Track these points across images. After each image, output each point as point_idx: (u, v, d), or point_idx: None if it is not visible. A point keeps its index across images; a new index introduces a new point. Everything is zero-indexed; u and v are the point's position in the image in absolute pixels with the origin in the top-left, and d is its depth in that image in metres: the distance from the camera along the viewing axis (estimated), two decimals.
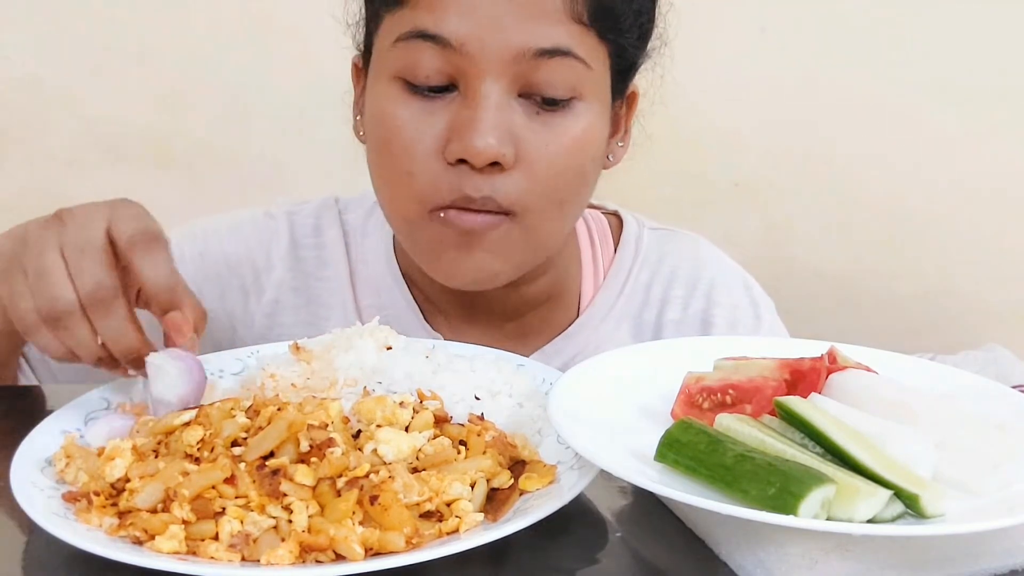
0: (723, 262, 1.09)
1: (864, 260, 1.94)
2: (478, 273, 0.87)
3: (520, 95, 0.83)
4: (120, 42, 1.81)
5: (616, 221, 1.09)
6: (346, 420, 0.68)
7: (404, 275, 1.02)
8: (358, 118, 0.96)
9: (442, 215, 0.84)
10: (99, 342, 0.71)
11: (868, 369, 0.73)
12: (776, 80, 1.84)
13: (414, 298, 1.01)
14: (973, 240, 1.92)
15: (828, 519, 0.57)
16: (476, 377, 0.78)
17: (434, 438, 0.67)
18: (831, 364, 0.72)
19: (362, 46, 0.93)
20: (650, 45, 0.92)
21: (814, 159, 1.89)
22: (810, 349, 0.75)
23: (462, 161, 0.82)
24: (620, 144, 0.96)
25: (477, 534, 0.59)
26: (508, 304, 1.00)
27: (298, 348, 0.82)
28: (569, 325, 1.02)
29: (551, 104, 0.83)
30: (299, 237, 1.04)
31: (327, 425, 0.65)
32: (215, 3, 1.81)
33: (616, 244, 1.06)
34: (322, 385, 0.76)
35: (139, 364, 0.72)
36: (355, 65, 0.96)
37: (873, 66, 1.83)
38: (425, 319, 1.01)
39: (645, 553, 0.64)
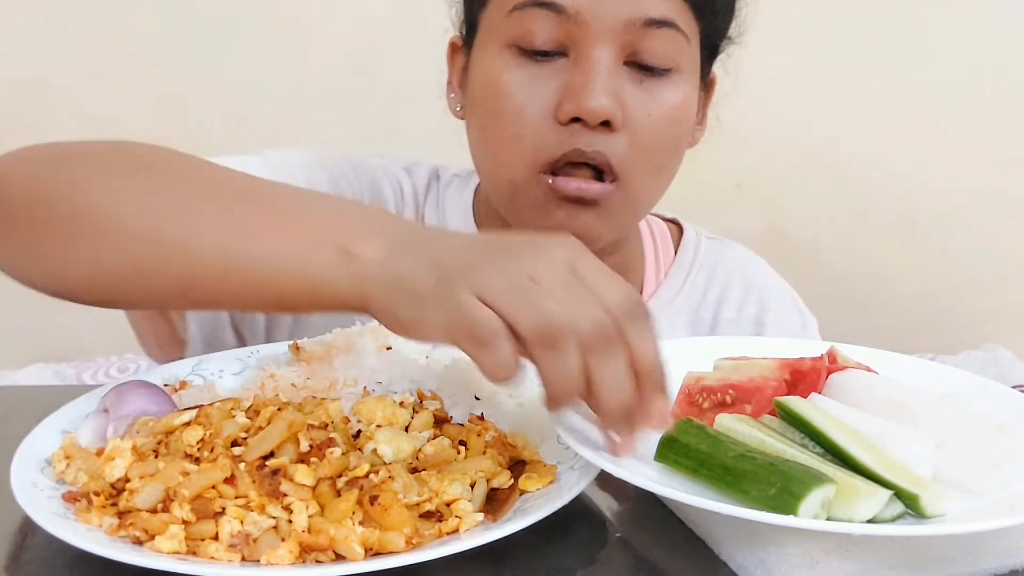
0: (774, 275, 1.15)
1: (864, 260, 1.94)
2: (585, 232, 0.89)
3: (625, 63, 0.87)
4: (120, 42, 1.81)
5: (676, 229, 1.14)
6: (346, 420, 0.68)
7: None
8: (451, 95, 0.99)
9: (550, 180, 0.87)
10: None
11: (868, 369, 0.73)
12: (777, 80, 1.84)
13: None
14: (973, 240, 1.92)
15: (828, 519, 0.57)
16: (476, 377, 0.78)
17: (434, 438, 0.67)
18: (831, 364, 0.72)
19: (463, 25, 0.97)
20: (731, 33, 0.96)
21: (815, 159, 1.89)
22: (810, 349, 0.75)
23: (575, 121, 0.85)
24: (698, 127, 1.00)
25: (477, 534, 0.59)
26: None
27: (298, 348, 0.82)
28: None
29: (653, 72, 0.87)
30: (417, 191, 1.06)
31: (327, 425, 0.65)
32: (215, 3, 1.81)
33: (676, 249, 1.11)
34: (322, 385, 0.76)
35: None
36: (452, 44, 1.00)
37: (874, 66, 1.83)
38: None
39: (645, 553, 0.64)
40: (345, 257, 0.61)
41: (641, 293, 1.07)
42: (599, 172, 0.88)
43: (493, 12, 0.90)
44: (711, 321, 1.08)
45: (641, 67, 0.87)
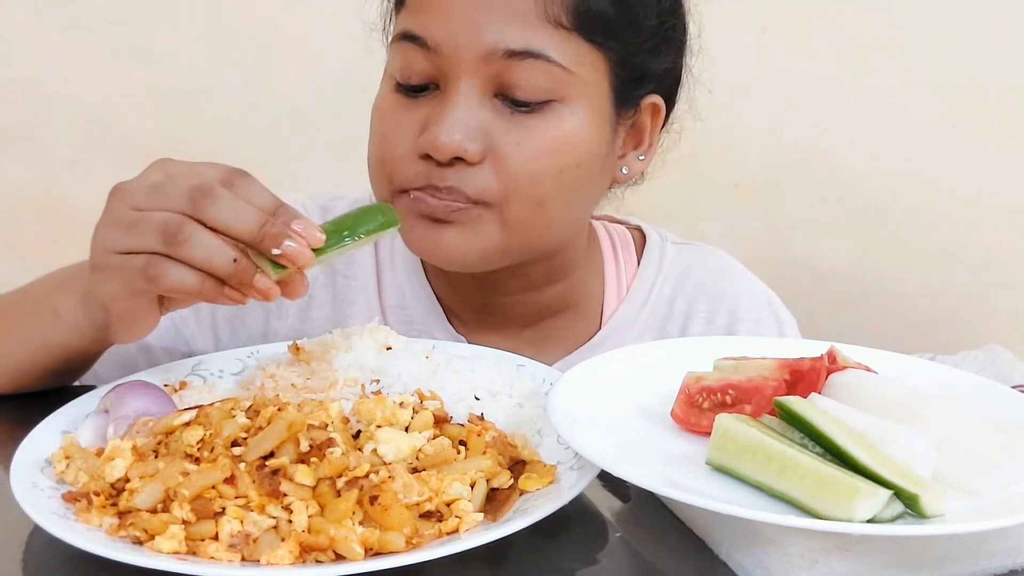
0: (747, 278, 1.09)
1: (864, 260, 1.94)
2: (448, 252, 0.87)
3: (496, 95, 0.84)
4: (120, 42, 1.81)
5: (639, 235, 1.09)
6: (346, 420, 0.68)
7: (429, 278, 1.02)
8: None
9: (411, 196, 0.86)
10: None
11: (868, 369, 0.73)
12: (776, 80, 1.84)
13: (438, 300, 1.01)
14: (973, 240, 1.92)
15: (827, 519, 0.57)
16: (476, 377, 0.78)
17: (434, 438, 0.68)
18: (831, 364, 0.72)
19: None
20: (678, 60, 0.93)
21: (814, 159, 1.89)
22: (810, 349, 0.75)
23: (429, 156, 0.83)
24: (641, 158, 0.95)
25: (477, 534, 0.59)
26: (522, 310, 1.00)
27: (298, 348, 0.82)
28: (592, 336, 1.02)
29: (525, 105, 0.84)
30: None
31: (327, 425, 0.65)
32: (216, 3, 1.81)
33: (639, 258, 1.06)
34: (322, 385, 0.76)
35: (274, 242, 0.67)
36: None
37: (873, 66, 1.83)
38: (449, 321, 1.01)
39: (645, 553, 0.64)
40: (54, 318, 0.80)
41: (601, 316, 1.03)
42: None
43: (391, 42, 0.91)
44: (678, 337, 1.02)
45: (513, 100, 0.83)
